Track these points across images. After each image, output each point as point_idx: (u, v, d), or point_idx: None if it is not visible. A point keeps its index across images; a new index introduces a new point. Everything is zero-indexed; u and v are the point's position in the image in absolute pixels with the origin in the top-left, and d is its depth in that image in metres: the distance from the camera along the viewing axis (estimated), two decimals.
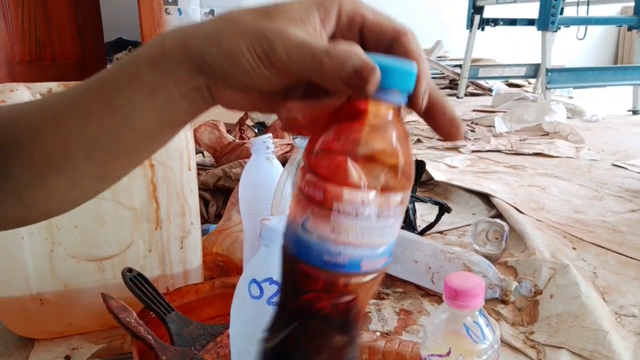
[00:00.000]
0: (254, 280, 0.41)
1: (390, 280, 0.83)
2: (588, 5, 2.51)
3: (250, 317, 0.41)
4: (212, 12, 2.95)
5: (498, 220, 0.93)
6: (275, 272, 0.41)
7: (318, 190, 0.24)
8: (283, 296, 0.27)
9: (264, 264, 0.42)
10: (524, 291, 0.76)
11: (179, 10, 2.89)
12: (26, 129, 0.29)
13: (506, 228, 0.92)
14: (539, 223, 1.04)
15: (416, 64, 0.25)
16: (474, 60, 2.98)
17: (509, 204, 1.12)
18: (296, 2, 0.27)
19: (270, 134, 0.73)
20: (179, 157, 0.66)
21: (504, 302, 0.75)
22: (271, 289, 0.40)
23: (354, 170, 0.23)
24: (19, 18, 2.98)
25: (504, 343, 0.68)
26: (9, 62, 2.93)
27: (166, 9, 2.87)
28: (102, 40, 3.63)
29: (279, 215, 0.47)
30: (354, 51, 0.24)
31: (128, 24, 4.96)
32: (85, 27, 3.37)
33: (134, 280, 0.62)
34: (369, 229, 0.24)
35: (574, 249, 0.95)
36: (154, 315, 0.62)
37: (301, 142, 0.46)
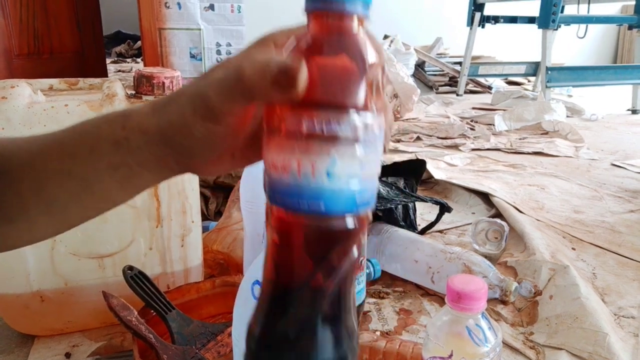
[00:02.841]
0: (257, 282, 0.41)
1: (390, 280, 0.84)
2: (589, 3, 2.50)
3: None
4: (211, 6, 2.93)
5: (498, 220, 0.93)
6: None
7: (319, 121, 0.22)
8: (273, 272, 0.26)
9: None
10: (524, 292, 0.76)
11: (179, 4, 2.87)
12: None
13: (506, 228, 0.92)
14: (539, 223, 1.04)
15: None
16: (474, 58, 2.98)
17: (508, 203, 1.12)
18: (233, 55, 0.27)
19: None
20: None
21: (504, 302, 0.76)
22: None
23: (362, 89, 0.23)
24: (17, 10, 2.96)
25: (504, 344, 0.68)
26: (7, 55, 2.91)
27: (165, 2, 2.85)
28: (101, 33, 3.61)
29: None
30: (271, 56, 0.24)
31: (127, 17, 4.94)
32: (84, 20, 3.35)
33: (135, 278, 0.62)
34: (373, 154, 0.24)
35: (573, 249, 0.95)
36: (154, 313, 0.62)
37: None
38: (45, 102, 0.61)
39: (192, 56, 3.00)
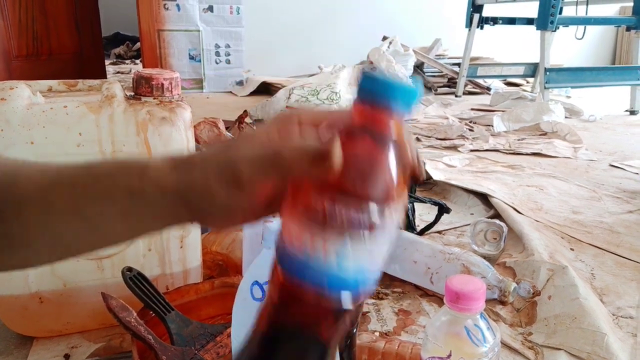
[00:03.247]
0: (256, 282, 0.41)
1: (389, 280, 0.84)
2: (587, 5, 2.51)
3: (251, 319, 0.41)
4: (210, 8, 2.94)
5: (497, 221, 0.94)
6: None
7: (351, 211, 0.23)
8: (266, 325, 0.27)
9: (266, 266, 0.41)
10: (523, 292, 0.76)
11: (178, 5, 2.87)
12: None
13: (505, 228, 0.92)
14: (537, 224, 1.04)
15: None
16: (472, 59, 2.98)
17: (507, 204, 1.12)
18: (258, 129, 0.28)
19: None
20: None
21: (503, 303, 0.76)
22: None
23: (390, 184, 0.24)
24: (16, 12, 2.96)
25: (502, 344, 0.68)
26: (6, 57, 2.92)
27: (164, 4, 2.86)
28: (100, 34, 3.61)
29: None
30: (309, 140, 0.26)
31: (126, 19, 4.95)
32: (83, 21, 3.35)
33: (134, 279, 0.62)
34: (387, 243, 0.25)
35: (571, 250, 0.95)
36: (153, 314, 0.62)
37: None
38: (44, 103, 0.61)
39: (191, 57, 3.00)
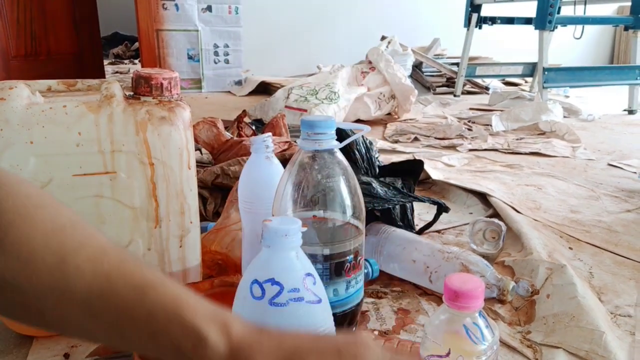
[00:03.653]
0: (256, 281, 0.41)
1: (388, 279, 0.84)
2: (585, 4, 2.52)
3: (251, 318, 0.41)
4: (209, 8, 2.94)
5: (495, 220, 0.94)
6: (277, 273, 0.41)
7: None
8: None
9: (265, 264, 0.42)
10: (521, 291, 0.76)
11: (176, 5, 2.87)
12: (37, 290, 0.27)
13: (503, 228, 0.92)
14: (536, 223, 1.05)
15: None
16: (471, 59, 2.99)
17: (506, 203, 1.12)
18: None
19: (269, 133, 0.73)
20: (179, 155, 0.66)
21: (502, 301, 0.76)
22: (273, 290, 0.40)
23: None
24: (15, 12, 2.96)
25: (501, 343, 0.68)
26: (4, 56, 2.91)
27: (163, 4, 2.86)
28: (99, 34, 3.61)
29: (280, 216, 0.47)
30: None
31: (125, 18, 4.95)
32: (82, 21, 3.35)
33: None
34: None
35: (570, 248, 0.96)
36: None
37: (302, 143, 0.47)
38: (43, 103, 0.62)
39: (190, 57, 3.00)
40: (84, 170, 0.62)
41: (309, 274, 0.42)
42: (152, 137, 0.64)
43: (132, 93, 0.67)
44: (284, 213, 0.48)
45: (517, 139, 1.87)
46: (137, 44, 3.96)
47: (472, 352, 0.43)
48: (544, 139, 1.86)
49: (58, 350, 0.67)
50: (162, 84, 0.66)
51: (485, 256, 0.87)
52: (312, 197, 0.47)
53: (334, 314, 0.49)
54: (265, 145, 0.72)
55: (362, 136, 0.92)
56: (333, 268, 0.47)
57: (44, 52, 3.09)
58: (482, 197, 1.20)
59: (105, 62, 3.89)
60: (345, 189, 0.48)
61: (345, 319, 0.50)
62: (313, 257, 0.47)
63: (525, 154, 1.68)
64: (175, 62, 2.95)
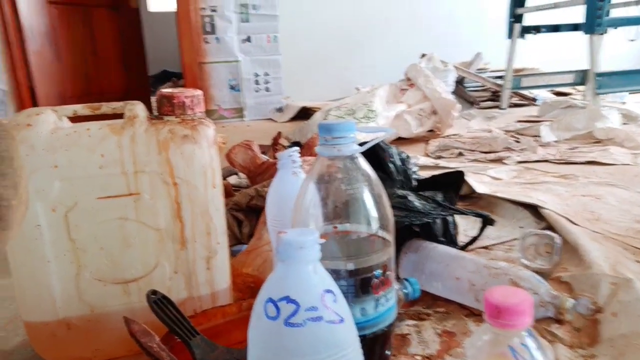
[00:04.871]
0: (270, 299, 0.37)
1: (431, 300, 0.78)
2: (637, 5, 2.38)
3: (266, 340, 0.37)
4: (248, 38, 3.01)
5: (548, 232, 0.86)
6: (292, 290, 0.37)
7: None
8: None
9: (280, 281, 0.38)
10: (582, 309, 0.68)
11: (217, 38, 2.96)
12: None
13: (558, 240, 0.84)
14: (595, 234, 0.95)
15: None
16: (516, 70, 2.88)
17: (560, 215, 1.03)
18: None
19: (297, 148, 0.70)
20: (203, 174, 0.64)
21: (559, 321, 0.68)
22: (288, 309, 0.37)
23: None
24: (71, 55, 3.15)
25: None
26: (61, 97, 3.09)
27: (205, 38, 2.95)
28: (146, 73, 3.78)
29: (298, 228, 0.44)
30: None
31: (172, 56, 5.17)
32: (131, 61, 3.52)
33: (158, 303, 0.60)
34: None
35: (637, 261, 0.86)
36: (178, 339, 0.59)
37: (320, 149, 0.43)
38: (68, 127, 0.62)
39: (231, 87, 3.07)
40: (108, 192, 0.62)
41: (328, 291, 0.38)
42: (175, 156, 0.62)
43: (157, 114, 0.67)
44: (304, 225, 0.45)
45: (570, 149, 1.75)
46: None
47: None
48: (600, 147, 1.73)
49: None
50: (184, 102, 0.65)
51: (538, 272, 0.79)
52: (332, 208, 0.44)
53: (363, 336, 0.44)
54: (292, 160, 0.69)
55: (397, 148, 0.88)
56: (359, 284, 0.43)
57: (96, 92, 3.25)
58: (534, 210, 1.12)
59: (153, 98, 4.06)
60: (370, 197, 0.44)
61: (377, 341, 0.45)
62: (336, 273, 0.42)
63: (580, 163, 1.57)
64: (217, 93, 3.03)
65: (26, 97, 2.80)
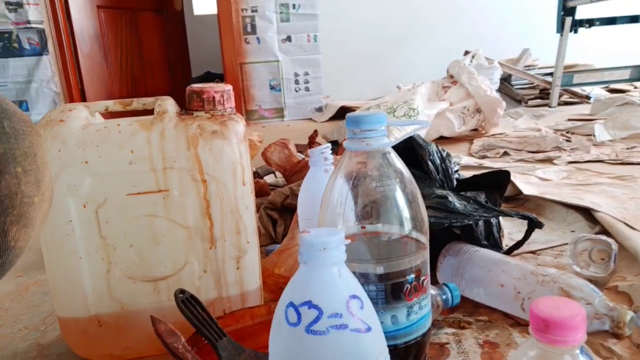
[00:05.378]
0: (291, 304, 0.35)
1: (473, 307, 0.73)
2: None
3: (286, 348, 0.35)
4: (289, 38, 3.02)
5: (603, 237, 0.79)
6: (315, 295, 0.34)
7: None
8: None
9: (302, 284, 0.35)
10: None
11: (258, 39, 2.98)
12: None
13: (614, 246, 0.77)
14: None
15: None
16: (567, 67, 2.74)
17: (616, 219, 0.96)
18: None
19: (329, 144, 0.67)
20: (232, 171, 0.62)
21: (617, 336, 0.62)
22: (310, 314, 0.34)
23: None
24: (118, 59, 3.26)
25: None
26: (109, 98, 3.20)
27: (246, 38, 2.98)
28: (190, 74, 3.87)
29: (321, 228, 0.41)
30: None
31: (215, 59, 5.27)
32: (175, 63, 3.61)
33: (186, 302, 0.58)
34: None
35: None
36: (206, 341, 0.57)
37: (348, 144, 0.40)
38: (99, 123, 0.62)
39: (272, 87, 3.08)
40: (137, 189, 0.61)
41: (354, 296, 0.35)
42: (204, 152, 0.61)
43: (187, 109, 0.65)
44: (330, 224, 0.42)
45: (628, 148, 1.64)
46: None
47: None
48: None
49: None
50: (214, 97, 0.64)
51: (592, 281, 0.73)
52: (361, 207, 0.40)
53: (394, 346, 0.41)
54: (323, 157, 0.66)
55: (437, 146, 0.83)
56: (389, 290, 0.39)
57: (142, 94, 3.35)
58: (586, 213, 1.04)
59: None
60: (402, 196, 0.40)
61: (410, 352, 0.42)
62: (365, 277, 0.39)
63: (639, 164, 1.46)
64: (257, 93, 3.04)
65: (77, 98, 2.92)
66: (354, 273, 0.37)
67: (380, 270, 0.40)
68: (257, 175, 1.48)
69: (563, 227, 1.03)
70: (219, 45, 3.07)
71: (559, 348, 0.34)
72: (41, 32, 2.74)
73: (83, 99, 2.91)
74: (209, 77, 5.67)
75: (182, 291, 0.59)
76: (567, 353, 0.34)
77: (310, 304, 0.34)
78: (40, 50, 2.75)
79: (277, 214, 1.05)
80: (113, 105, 0.64)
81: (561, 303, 0.35)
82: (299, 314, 0.34)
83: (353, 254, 0.38)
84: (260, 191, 1.29)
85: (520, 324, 0.68)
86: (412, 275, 0.40)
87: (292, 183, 1.17)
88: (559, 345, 0.33)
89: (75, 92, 2.93)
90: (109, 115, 0.66)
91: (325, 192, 0.42)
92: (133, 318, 0.65)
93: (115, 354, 0.66)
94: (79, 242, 0.61)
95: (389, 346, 0.37)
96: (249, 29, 2.97)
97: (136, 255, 0.63)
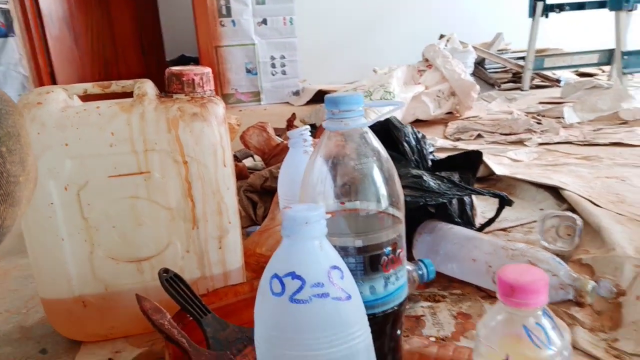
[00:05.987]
0: (275, 275, 0.37)
1: (447, 282, 0.76)
2: None
3: (271, 317, 0.37)
4: (264, 21, 2.99)
5: (569, 214, 0.83)
6: (298, 266, 0.36)
7: None
8: None
9: (285, 256, 0.37)
10: (603, 292, 0.66)
11: (233, 21, 2.95)
12: None
13: (579, 222, 0.82)
14: (620, 217, 0.92)
15: None
16: (539, 51, 2.79)
17: (582, 196, 1.00)
18: None
19: (308, 127, 0.69)
20: (213, 152, 0.63)
21: (580, 304, 0.66)
22: (294, 285, 0.36)
23: None
24: (89, 41, 3.18)
25: (582, 351, 0.59)
26: (80, 82, 3.13)
27: (220, 21, 2.94)
28: (164, 58, 3.80)
29: (303, 204, 0.43)
30: None
31: (190, 41, 5.17)
32: (148, 46, 3.54)
33: (170, 281, 0.60)
34: None
35: None
36: (191, 318, 0.59)
37: (327, 124, 0.42)
38: (78, 105, 0.62)
39: (248, 71, 3.06)
40: (119, 171, 0.61)
41: (335, 267, 0.37)
42: (184, 135, 0.62)
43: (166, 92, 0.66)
44: (310, 200, 0.44)
45: (595, 130, 1.70)
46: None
47: (537, 358, 0.36)
48: (626, 128, 1.68)
49: (102, 355, 0.66)
50: (193, 79, 0.64)
51: (559, 255, 0.77)
52: (340, 184, 0.42)
53: (373, 315, 0.43)
54: (303, 138, 0.68)
55: (412, 127, 0.86)
56: (368, 262, 0.42)
57: (114, 77, 3.27)
58: (555, 192, 1.09)
59: None
60: (379, 173, 0.42)
61: (387, 320, 0.44)
62: (344, 250, 0.41)
63: (605, 145, 1.52)
64: (234, 77, 3.02)
65: (47, 82, 2.84)
66: (335, 246, 0.39)
67: (359, 243, 0.42)
68: (235, 158, 1.49)
69: (532, 205, 1.07)
70: (194, 28, 3.02)
71: (523, 310, 0.36)
72: (6, 13, 2.65)
73: (53, 82, 2.83)
74: (183, 61, 5.56)
75: (166, 270, 0.61)
76: (531, 315, 0.37)
77: (293, 275, 0.36)
78: (6, 32, 2.66)
79: (257, 197, 1.07)
80: (92, 88, 0.64)
81: (525, 270, 0.38)
82: (283, 284, 0.36)
83: (333, 229, 0.40)
84: (240, 174, 1.30)
85: (491, 296, 0.72)
86: (389, 248, 0.43)
87: (270, 166, 1.18)
88: (524, 307, 0.36)
89: (45, 75, 2.85)
90: (85, 98, 0.66)
91: (305, 171, 0.44)
92: (117, 298, 0.66)
93: (100, 334, 0.68)
94: (61, 225, 0.62)
95: (368, 315, 0.39)
96: (224, 12, 2.93)
97: (119, 236, 0.64)
